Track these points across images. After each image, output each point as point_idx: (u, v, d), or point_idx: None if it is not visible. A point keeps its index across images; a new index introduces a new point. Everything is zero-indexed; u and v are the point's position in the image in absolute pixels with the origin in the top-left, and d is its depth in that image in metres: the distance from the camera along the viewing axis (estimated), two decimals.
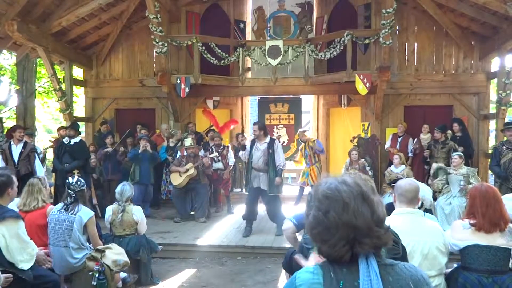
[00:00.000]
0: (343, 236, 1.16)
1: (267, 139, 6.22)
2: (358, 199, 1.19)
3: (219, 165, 7.78)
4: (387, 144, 8.25)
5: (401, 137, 8.12)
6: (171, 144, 8.21)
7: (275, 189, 6.14)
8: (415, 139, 8.00)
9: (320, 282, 1.17)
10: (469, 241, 2.76)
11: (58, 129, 8.53)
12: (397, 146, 8.02)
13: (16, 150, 6.35)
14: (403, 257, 1.96)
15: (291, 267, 2.69)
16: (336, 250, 1.17)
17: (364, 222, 1.16)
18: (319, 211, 1.20)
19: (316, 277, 1.19)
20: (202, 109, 9.32)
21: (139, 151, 7.37)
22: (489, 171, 9.46)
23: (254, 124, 6.56)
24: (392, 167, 7.17)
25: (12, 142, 6.38)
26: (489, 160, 8.60)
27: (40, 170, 6.40)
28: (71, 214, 3.81)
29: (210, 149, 7.80)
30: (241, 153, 6.65)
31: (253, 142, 6.37)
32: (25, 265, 3.18)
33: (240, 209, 8.05)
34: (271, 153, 6.09)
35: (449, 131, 7.61)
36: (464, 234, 2.80)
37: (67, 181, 4.05)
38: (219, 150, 7.78)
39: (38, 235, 3.90)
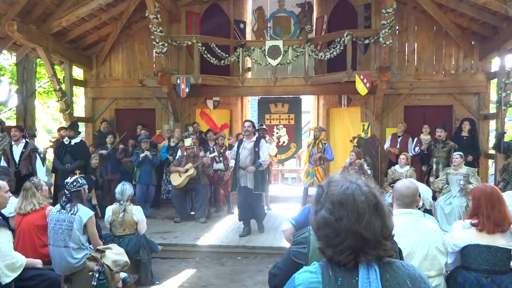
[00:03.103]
0: (350, 245, 1.16)
1: (254, 138, 6.28)
2: (372, 211, 1.19)
3: (220, 165, 7.78)
4: (387, 145, 8.25)
5: (400, 137, 8.11)
6: (172, 144, 8.21)
7: (260, 188, 6.23)
8: (415, 139, 8.00)
9: (319, 280, 1.18)
10: (469, 241, 2.76)
11: (58, 130, 8.54)
12: (398, 146, 8.02)
13: (17, 150, 6.35)
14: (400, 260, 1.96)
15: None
16: (341, 257, 1.17)
17: (373, 235, 1.17)
18: (331, 215, 1.19)
19: (314, 276, 1.19)
20: (200, 111, 9.34)
21: (140, 159, 7.44)
22: (490, 171, 9.50)
23: (247, 121, 6.57)
24: (396, 167, 7.14)
25: (13, 143, 6.39)
26: (489, 160, 8.62)
27: (40, 170, 6.39)
28: (71, 214, 3.81)
29: (211, 149, 7.80)
30: (227, 152, 6.70)
31: (240, 142, 6.45)
32: (6, 279, 3.11)
33: None
34: (257, 151, 6.16)
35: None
36: (464, 234, 2.81)
37: (65, 181, 4.07)
38: (221, 151, 7.77)
39: (38, 236, 3.90)
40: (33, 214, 3.91)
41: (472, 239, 2.76)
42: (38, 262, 3.56)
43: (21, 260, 3.25)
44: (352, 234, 1.16)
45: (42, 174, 6.28)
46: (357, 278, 1.16)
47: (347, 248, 1.16)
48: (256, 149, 6.16)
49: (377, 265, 1.18)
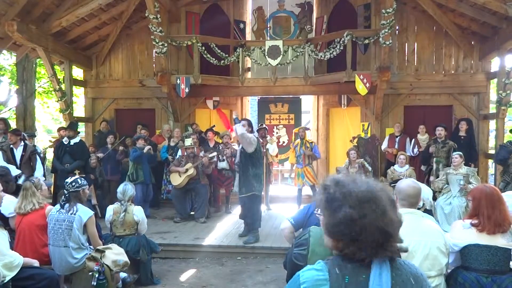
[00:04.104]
0: (374, 241, 1.17)
1: None
2: (391, 207, 1.22)
3: (224, 164, 7.75)
4: (384, 145, 8.25)
5: (398, 137, 8.11)
6: (172, 144, 8.21)
7: (246, 190, 5.82)
8: (413, 140, 8.00)
9: (326, 278, 1.18)
10: (469, 241, 2.76)
11: (58, 130, 8.54)
12: (396, 146, 8.03)
13: (17, 153, 6.33)
14: None
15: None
16: (362, 254, 1.18)
17: (394, 230, 1.20)
18: (356, 212, 1.19)
19: (321, 273, 1.20)
20: (217, 109, 9.46)
21: (144, 151, 7.37)
22: (490, 171, 9.48)
23: (243, 119, 6.24)
24: (396, 166, 7.14)
25: (12, 146, 6.36)
26: (489, 160, 8.62)
27: (39, 170, 6.35)
28: (70, 214, 3.81)
29: (218, 147, 7.79)
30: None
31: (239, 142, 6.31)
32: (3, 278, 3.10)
33: (239, 210, 8.04)
34: (242, 151, 5.80)
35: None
36: (464, 234, 2.81)
37: (65, 180, 4.07)
38: (224, 149, 7.76)
39: (38, 236, 3.90)
40: (33, 214, 3.91)
41: (472, 239, 2.76)
42: (34, 262, 3.55)
43: (18, 259, 3.25)
44: (377, 230, 1.18)
45: (40, 174, 6.22)
46: (363, 276, 1.17)
47: (370, 243, 1.18)
48: (242, 149, 5.83)
49: (389, 262, 1.19)
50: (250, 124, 6.16)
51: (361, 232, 1.18)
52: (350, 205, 1.21)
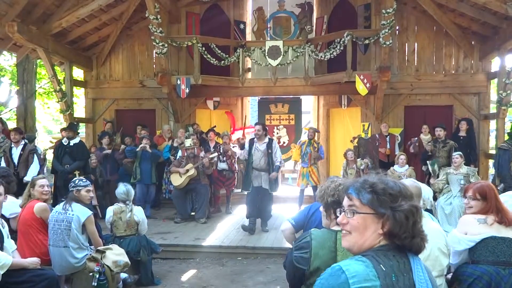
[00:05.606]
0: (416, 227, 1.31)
1: (266, 140, 6.43)
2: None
3: (224, 165, 7.75)
4: None
5: (388, 137, 8.10)
6: (175, 144, 8.20)
7: (274, 188, 6.49)
8: (415, 139, 7.99)
9: (375, 275, 1.13)
10: (486, 234, 2.79)
11: (61, 130, 8.53)
12: (388, 146, 8.01)
13: (16, 152, 6.35)
14: None
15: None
16: (423, 242, 1.31)
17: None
18: (413, 204, 1.30)
19: (369, 269, 1.14)
20: (225, 110, 9.60)
21: (137, 149, 7.38)
22: (490, 171, 9.48)
23: (257, 124, 6.71)
24: (396, 167, 7.15)
25: (12, 145, 6.38)
26: (489, 160, 8.61)
27: (32, 169, 6.29)
28: (68, 214, 3.83)
29: (218, 148, 7.79)
30: (239, 152, 6.81)
31: (251, 142, 6.51)
32: None
33: (239, 210, 8.04)
34: (270, 153, 6.35)
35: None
36: (479, 228, 2.83)
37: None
38: (222, 149, 7.76)
39: (30, 232, 3.87)
40: (24, 209, 3.91)
41: (488, 232, 2.80)
42: (31, 262, 3.39)
43: (5, 259, 3.09)
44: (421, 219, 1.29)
45: (31, 175, 6.08)
46: (405, 274, 1.18)
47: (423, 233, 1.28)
48: (269, 150, 6.33)
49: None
50: (264, 128, 6.55)
51: (420, 221, 1.29)
52: (405, 200, 1.27)
